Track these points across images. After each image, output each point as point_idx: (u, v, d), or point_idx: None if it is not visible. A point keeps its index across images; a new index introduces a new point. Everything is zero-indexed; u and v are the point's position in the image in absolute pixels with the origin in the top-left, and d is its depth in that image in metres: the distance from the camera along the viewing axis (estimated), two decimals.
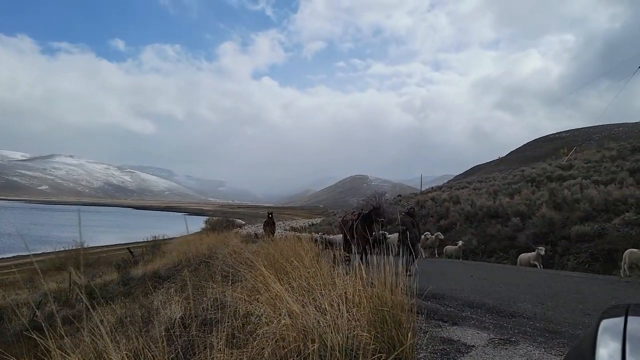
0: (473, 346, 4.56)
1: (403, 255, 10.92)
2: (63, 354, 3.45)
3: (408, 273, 9.91)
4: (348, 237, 12.79)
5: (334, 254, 6.58)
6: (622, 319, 1.16)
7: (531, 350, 4.39)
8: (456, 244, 16.35)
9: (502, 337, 4.90)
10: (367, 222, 12.05)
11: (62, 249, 25.90)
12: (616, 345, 1.04)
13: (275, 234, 20.52)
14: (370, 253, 11.54)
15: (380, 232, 18.12)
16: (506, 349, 4.46)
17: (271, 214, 20.07)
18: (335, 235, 21.13)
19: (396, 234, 19.65)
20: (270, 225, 19.64)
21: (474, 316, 6.12)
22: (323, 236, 22.77)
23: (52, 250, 27.45)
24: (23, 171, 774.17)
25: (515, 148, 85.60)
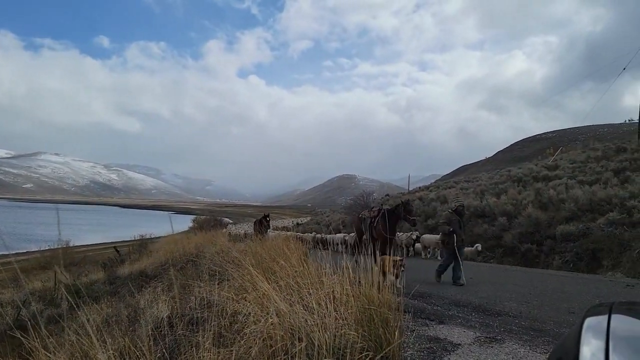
0: (459, 344, 4.59)
1: (447, 260, 9.97)
2: (48, 353, 3.41)
3: (460, 281, 9.42)
4: (365, 236, 12.01)
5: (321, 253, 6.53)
6: (605, 317, 1.18)
7: (516, 349, 4.44)
8: (473, 247, 15.41)
9: (488, 336, 4.95)
10: (391, 219, 10.91)
11: (47, 247, 25.53)
12: (600, 343, 1.05)
13: (268, 233, 20.47)
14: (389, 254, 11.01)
15: (413, 232, 17.35)
16: (492, 347, 4.51)
17: (268, 216, 20.32)
18: (333, 235, 20.82)
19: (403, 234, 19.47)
20: (261, 224, 19.53)
21: (460, 315, 6.17)
22: (317, 236, 22.64)
23: (36, 249, 27.03)
24: (7, 169, 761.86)
25: (502, 148, 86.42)
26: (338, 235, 20.05)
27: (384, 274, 7.19)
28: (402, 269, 7.54)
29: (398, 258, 7.90)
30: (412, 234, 17.71)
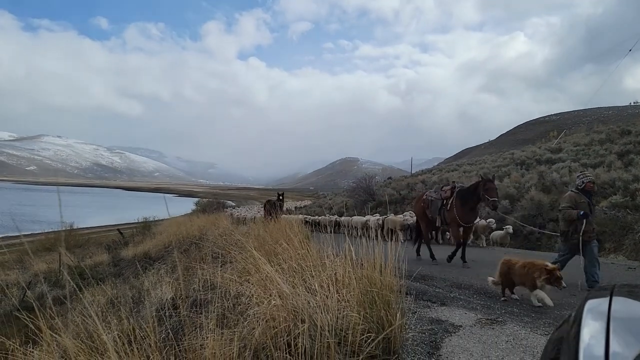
0: (461, 326, 4.63)
1: (565, 256, 7.60)
2: (54, 334, 3.45)
3: (596, 282, 6.94)
4: (431, 220, 10.47)
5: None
6: (606, 299, 1.18)
7: (518, 330, 4.47)
8: (502, 229, 13.58)
9: (490, 317, 4.98)
10: (469, 201, 9.22)
11: (51, 229, 25.71)
12: (601, 325, 1.05)
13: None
14: (467, 241, 9.75)
15: (491, 221, 13.86)
16: (493, 328, 4.54)
17: (282, 195, 18.14)
18: (349, 218, 19.91)
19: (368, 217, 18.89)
20: (274, 206, 16.84)
21: (462, 297, 6.21)
22: (335, 218, 22.32)
23: (40, 231, 27.24)
24: (10, 151, 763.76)
25: (503, 131, 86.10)
26: (358, 217, 19.09)
27: (524, 284, 5.80)
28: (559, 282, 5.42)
29: (550, 265, 5.57)
30: (491, 223, 14.22)
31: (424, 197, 10.61)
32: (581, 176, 7.83)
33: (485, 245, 14.10)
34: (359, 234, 17.17)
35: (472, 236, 12.66)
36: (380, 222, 16.75)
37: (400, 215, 16.49)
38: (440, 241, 15.32)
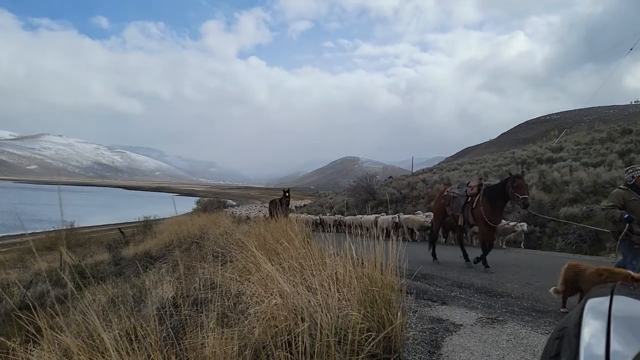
0: (461, 325, 4.63)
1: (630, 261, 6.29)
2: (54, 333, 3.45)
3: None
4: (450, 218, 10.05)
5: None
6: (607, 298, 1.18)
7: (518, 329, 4.47)
8: (515, 228, 13.22)
9: (490, 316, 4.98)
10: (498, 198, 8.58)
11: (52, 228, 25.73)
12: (602, 324, 1.05)
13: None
14: (492, 243, 9.07)
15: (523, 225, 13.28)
16: (494, 327, 4.54)
17: (288, 192, 16.49)
18: (359, 217, 19.39)
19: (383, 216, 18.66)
20: (279, 205, 15.76)
21: (462, 296, 6.21)
22: (336, 217, 22.22)
23: (41, 230, 27.27)
24: (11, 150, 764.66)
25: (504, 130, 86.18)
26: (368, 217, 18.62)
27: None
28: None
29: (635, 274, 4.73)
30: (516, 224, 13.51)
31: (445, 193, 9.95)
32: (630, 170, 6.80)
33: (504, 246, 13.50)
34: (372, 234, 16.79)
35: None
36: (396, 220, 16.40)
37: (421, 215, 16.18)
38: (453, 241, 14.58)
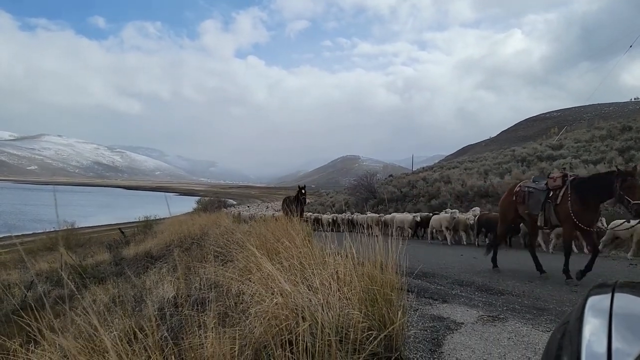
0: (462, 323, 4.63)
1: None
2: (53, 334, 3.45)
3: None
4: (526, 219, 8.43)
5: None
6: (608, 296, 1.17)
7: (519, 327, 4.47)
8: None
9: (491, 314, 4.98)
10: (593, 195, 6.99)
11: (52, 228, 25.74)
12: (602, 322, 1.05)
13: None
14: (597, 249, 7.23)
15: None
16: (495, 325, 4.54)
17: (304, 189, 14.85)
18: (392, 214, 18.81)
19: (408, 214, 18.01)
20: (293, 202, 14.26)
21: (463, 294, 6.21)
22: (377, 216, 21.95)
23: (42, 231, 27.28)
24: (11, 151, 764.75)
25: (504, 128, 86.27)
26: (402, 215, 17.40)
27: None
28: None
29: None
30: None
31: (518, 188, 8.29)
32: None
33: (550, 250, 11.92)
34: (407, 234, 16.01)
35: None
36: (449, 220, 14.72)
37: (470, 213, 14.79)
38: (543, 247, 12.39)
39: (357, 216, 20.70)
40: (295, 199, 14.64)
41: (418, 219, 16.63)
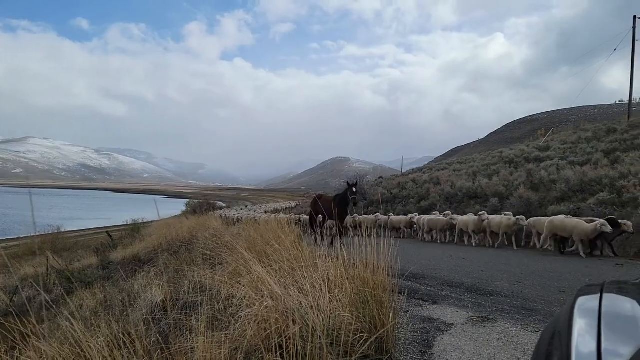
0: (452, 324, 4.64)
1: None
2: (39, 340, 3.39)
3: None
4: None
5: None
6: (597, 296, 1.18)
7: (509, 328, 4.49)
8: (521, 222, 11.83)
9: (481, 315, 4.99)
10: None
11: (39, 232, 25.36)
12: (592, 322, 1.05)
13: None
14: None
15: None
16: (484, 326, 4.56)
17: (355, 185, 12.65)
18: (422, 216, 17.74)
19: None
20: (341, 206, 12.08)
21: (453, 295, 6.22)
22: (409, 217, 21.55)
23: (26, 235, 26.90)
24: None
25: (492, 130, 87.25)
26: (433, 217, 16.11)
27: None
28: None
29: None
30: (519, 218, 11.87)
31: None
32: None
33: (583, 254, 10.60)
34: (437, 237, 15.45)
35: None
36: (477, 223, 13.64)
37: (511, 216, 13.09)
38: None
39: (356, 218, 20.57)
40: (339, 199, 12.03)
41: (414, 219, 16.93)
